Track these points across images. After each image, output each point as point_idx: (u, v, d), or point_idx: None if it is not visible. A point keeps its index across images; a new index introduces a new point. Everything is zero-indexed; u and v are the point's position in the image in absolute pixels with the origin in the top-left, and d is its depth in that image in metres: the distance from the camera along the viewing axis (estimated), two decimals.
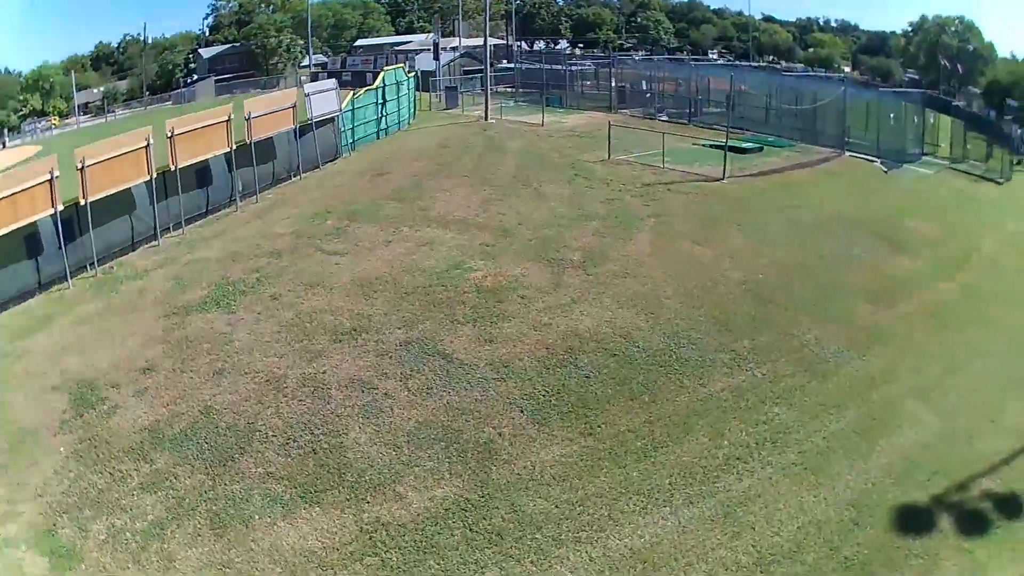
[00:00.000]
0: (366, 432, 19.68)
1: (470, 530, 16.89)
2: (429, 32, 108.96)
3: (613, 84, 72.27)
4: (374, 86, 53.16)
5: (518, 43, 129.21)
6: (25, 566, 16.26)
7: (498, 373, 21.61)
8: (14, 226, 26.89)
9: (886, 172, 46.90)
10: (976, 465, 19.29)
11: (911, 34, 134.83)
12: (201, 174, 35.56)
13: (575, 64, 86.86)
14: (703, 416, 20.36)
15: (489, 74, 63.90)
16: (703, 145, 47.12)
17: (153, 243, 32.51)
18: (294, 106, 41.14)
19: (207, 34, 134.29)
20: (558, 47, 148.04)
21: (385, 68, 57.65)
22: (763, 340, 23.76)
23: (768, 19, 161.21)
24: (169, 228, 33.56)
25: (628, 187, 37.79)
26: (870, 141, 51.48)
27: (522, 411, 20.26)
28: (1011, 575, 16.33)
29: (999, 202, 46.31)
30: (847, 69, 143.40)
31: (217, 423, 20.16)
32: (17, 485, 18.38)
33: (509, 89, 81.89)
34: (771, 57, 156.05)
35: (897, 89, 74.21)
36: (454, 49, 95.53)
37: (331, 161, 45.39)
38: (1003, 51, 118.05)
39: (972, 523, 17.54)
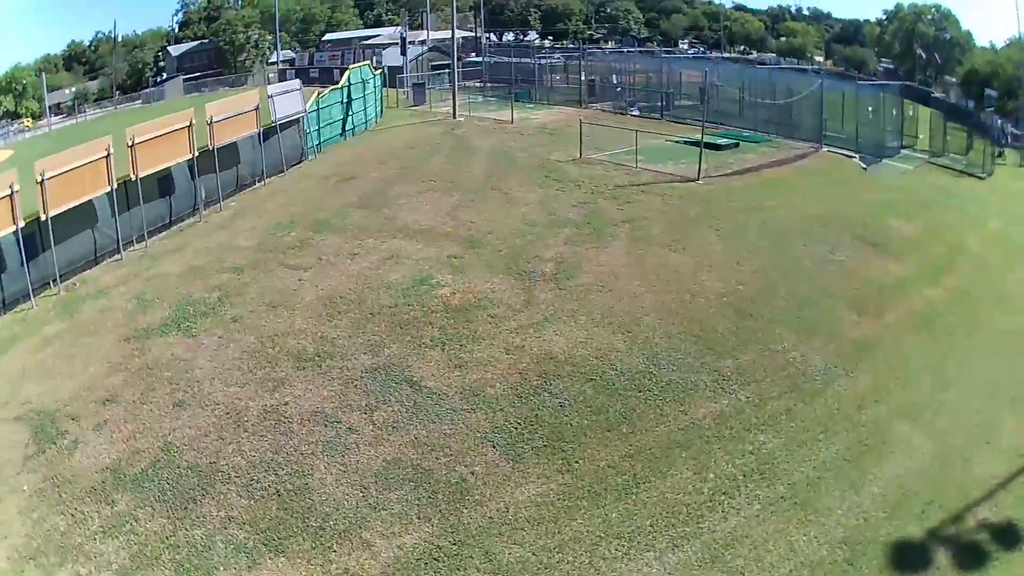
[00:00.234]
0: (331, 472, 18.54)
1: None
2: (398, 25, 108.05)
3: (583, 78, 71.46)
4: (339, 85, 52.00)
5: (487, 35, 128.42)
6: None
7: (468, 403, 20.50)
8: None
9: (865, 168, 46.13)
10: (972, 491, 18.39)
11: (886, 23, 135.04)
12: (163, 183, 34.38)
13: (544, 57, 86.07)
14: (686, 447, 19.29)
15: (456, 71, 62.97)
16: (676, 141, 46.36)
17: (116, 256, 31.49)
18: (257, 109, 39.91)
19: (176, 31, 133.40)
20: (527, 39, 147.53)
21: (351, 66, 56.40)
22: (746, 358, 22.73)
23: (739, 8, 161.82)
24: (132, 241, 32.52)
25: (601, 189, 36.83)
26: (848, 134, 50.88)
27: (494, 446, 19.13)
28: None
29: (982, 198, 45.44)
30: (820, 59, 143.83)
31: (178, 461, 19.05)
32: None
33: (478, 84, 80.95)
34: (743, 47, 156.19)
35: (875, 81, 73.51)
36: (422, 43, 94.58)
37: (296, 164, 44.29)
38: (980, 40, 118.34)
39: (969, 556, 16.65)
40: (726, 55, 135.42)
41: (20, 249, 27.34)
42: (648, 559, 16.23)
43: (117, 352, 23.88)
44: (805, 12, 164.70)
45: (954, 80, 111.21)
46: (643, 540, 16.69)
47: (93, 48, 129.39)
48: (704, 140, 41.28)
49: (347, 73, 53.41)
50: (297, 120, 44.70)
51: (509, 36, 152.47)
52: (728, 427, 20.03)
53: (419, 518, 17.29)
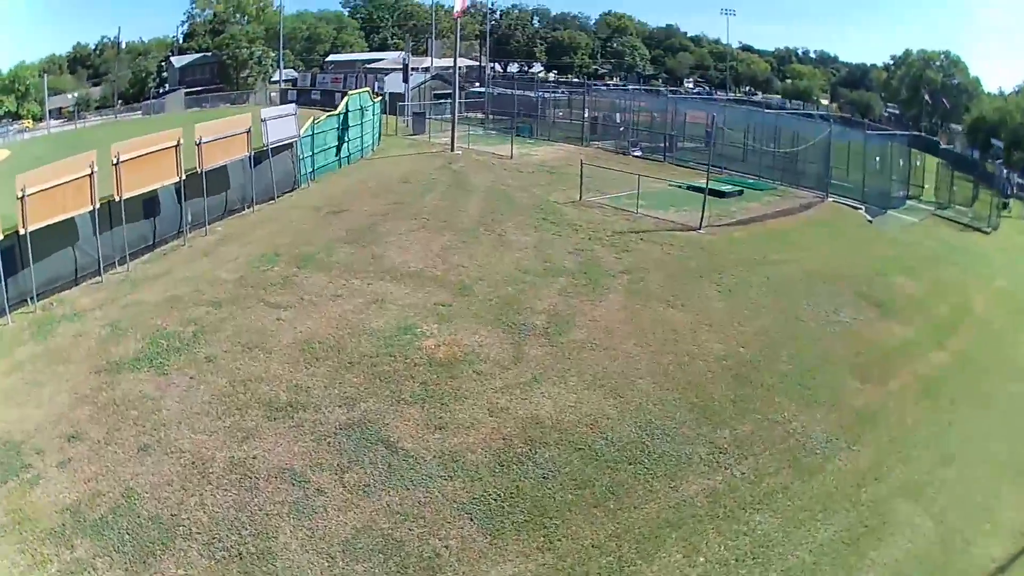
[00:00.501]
0: (296, 536, 17.24)
1: None
2: (402, 50, 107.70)
3: (586, 115, 70.72)
4: (336, 111, 51.13)
5: (491, 65, 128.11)
6: None
7: (446, 469, 19.23)
8: None
9: (871, 220, 45.49)
10: None
11: (893, 68, 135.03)
12: (148, 204, 33.32)
13: (548, 91, 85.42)
14: (676, 527, 18.02)
15: (457, 102, 62.16)
16: (679, 186, 45.47)
17: (96, 278, 30.51)
18: (249, 131, 38.84)
19: (181, 41, 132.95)
20: (532, 70, 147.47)
21: (349, 92, 55.46)
22: (744, 429, 21.59)
23: (746, 48, 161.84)
24: (115, 262, 31.55)
25: (599, 235, 35.84)
26: (854, 183, 50.52)
27: (472, 518, 17.83)
28: None
29: (987, 255, 45.24)
30: (826, 102, 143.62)
31: (139, 510, 17.84)
32: None
33: (479, 115, 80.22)
34: (748, 88, 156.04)
35: (884, 131, 72.93)
36: (426, 70, 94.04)
37: (288, 192, 43.41)
38: (989, 86, 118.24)
39: None
40: (731, 95, 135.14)
41: None
42: None
43: (86, 384, 22.86)
44: (812, 55, 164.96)
45: (959, 128, 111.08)
46: None
47: (98, 52, 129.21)
48: (708, 187, 40.25)
49: (345, 99, 52.55)
50: (291, 145, 43.73)
51: (514, 67, 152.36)
52: (722, 505, 18.82)
53: None
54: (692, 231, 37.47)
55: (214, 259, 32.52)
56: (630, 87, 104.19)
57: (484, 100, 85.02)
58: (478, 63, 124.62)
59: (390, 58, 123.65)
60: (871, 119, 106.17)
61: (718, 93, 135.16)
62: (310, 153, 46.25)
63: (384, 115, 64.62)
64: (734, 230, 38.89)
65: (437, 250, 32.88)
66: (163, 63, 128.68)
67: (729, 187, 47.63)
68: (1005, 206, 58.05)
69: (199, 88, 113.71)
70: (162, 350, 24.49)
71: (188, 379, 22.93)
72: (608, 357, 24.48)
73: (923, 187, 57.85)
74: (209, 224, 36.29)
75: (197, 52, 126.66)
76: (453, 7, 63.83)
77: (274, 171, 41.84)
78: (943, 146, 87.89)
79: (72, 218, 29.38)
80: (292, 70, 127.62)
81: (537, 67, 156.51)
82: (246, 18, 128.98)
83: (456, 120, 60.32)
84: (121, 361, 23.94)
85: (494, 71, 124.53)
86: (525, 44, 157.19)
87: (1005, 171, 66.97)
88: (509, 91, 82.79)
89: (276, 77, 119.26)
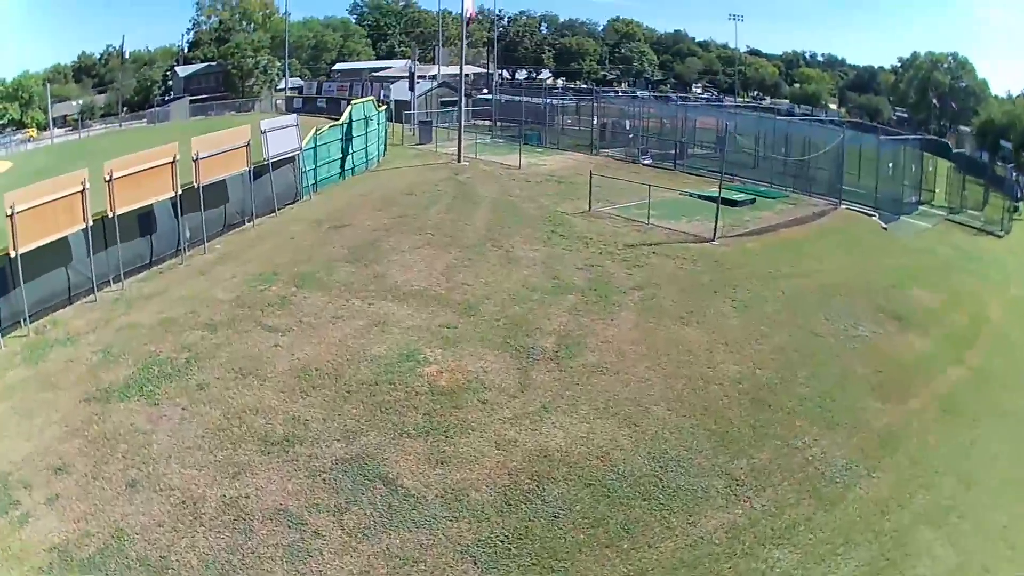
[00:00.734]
0: None
1: None
2: (409, 58, 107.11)
3: (595, 122, 69.84)
4: (340, 122, 50.18)
5: (499, 71, 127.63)
6: None
7: (450, 509, 18.20)
8: None
9: (885, 227, 44.77)
10: None
11: (901, 70, 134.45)
12: (144, 220, 32.45)
13: (556, 99, 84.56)
14: (693, 567, 17.00)
15: (463, 111, 61.20)
16: (690, 195, 44.57)
17: (91, 297, 29.70)
18: (248, 144, 37.92)
19: (186, 50, 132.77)
20: (540, 76, 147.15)
21: (353, 102, 54.45)
22: (762, 458, 20.59)
23: (754, 53, 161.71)
24: (109, 280, 30.76)
25: (610, 248, 34.86)
26: (867, 189, 49.81)
27: (476, 562, 16.78)
28: None
29: (1001, 260, 44.86)
30: (834, 106, 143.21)
31: (127, 552, 16.94)
32: None
33: (487, 123, 79.42)
34: (756, 92, 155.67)
35: (895, 134, 72.03)
36: (432, 78, 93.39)
37: (290, 204, 42.55)
38: (996, 89, 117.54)
39: None
40: (739, 100, 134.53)
41: None
42: None
43: (76, 414, 21.97)
44: (819, 58, 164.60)
45: (969, 130, 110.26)
46: None
47: (103, 61, 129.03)
48: (720, 195, 39.35)
49: (348, 109, 51.58)
50: (292, 158, 42.81)
51: (522, 74, 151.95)
52: (740, 541, 17.84)
53: None
54: (705, 242, 36.56)
55: (211, 278, 31.63)
56: (639, 93, 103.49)
57: (491, 107, 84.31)
58: (486, 70, 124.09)
59: (397, 66, 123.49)
60: (880, 123, 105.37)
61: (727, 98, 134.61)
62: (313, 166, 45.38)
63: (390, 123, 63.79)
64: (748, 241, 37.97)
65: (442, 268, 31.93)
66: (168, 72, 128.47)
67: (741, 195, 46.68)
68: (1016, 209, 57.25)
69: (204, 96, 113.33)
70: (154, 377, 23.60)
71: (180, 411, 21.98)
72: (620, 382, 23.52)
73: (934, 191, 57.35)
74: (208, 240, 35.47)
75: (203, 61, 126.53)
76: (461, 14, 63.24)
77: (275, 183, 41.00)
78: (956, 150, 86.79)
79: (65, 237, 28.54)
80: (298, 78, 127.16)
81: (545, 73, 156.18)
82: (252, 25, 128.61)
83: (463, 129, 59.35)
84: (111, 389, 23.05)
85: (502, 78, 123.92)
86: (533, 51, 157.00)
87: (1015, 174, 66.21)
88: (517, 98, 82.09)
89: (282, 85, 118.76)
